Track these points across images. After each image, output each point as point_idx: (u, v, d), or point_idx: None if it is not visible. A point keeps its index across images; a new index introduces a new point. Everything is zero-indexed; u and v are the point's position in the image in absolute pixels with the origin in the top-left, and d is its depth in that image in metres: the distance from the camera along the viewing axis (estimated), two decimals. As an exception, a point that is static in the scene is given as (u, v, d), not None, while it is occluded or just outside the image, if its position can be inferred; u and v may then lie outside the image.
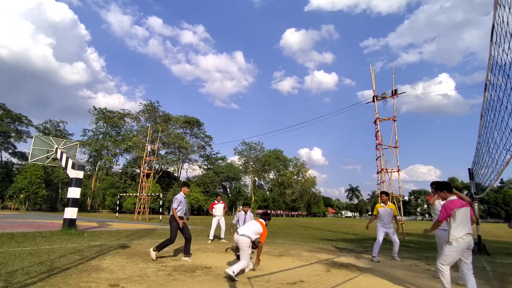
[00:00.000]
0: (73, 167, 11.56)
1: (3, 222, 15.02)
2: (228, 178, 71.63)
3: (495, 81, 4.16)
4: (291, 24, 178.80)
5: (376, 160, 16.47)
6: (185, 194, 6.59)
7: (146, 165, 30.78)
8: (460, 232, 3.91)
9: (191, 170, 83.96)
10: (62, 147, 14.25)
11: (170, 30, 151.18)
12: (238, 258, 6.11)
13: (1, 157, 53.55)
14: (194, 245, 8.68)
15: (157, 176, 54.30)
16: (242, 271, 4.94)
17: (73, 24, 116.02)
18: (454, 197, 4.12)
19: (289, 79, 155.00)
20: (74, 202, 11.34)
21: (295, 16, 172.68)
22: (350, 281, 4.83)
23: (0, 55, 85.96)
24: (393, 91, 16.46)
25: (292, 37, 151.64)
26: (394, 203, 15.94)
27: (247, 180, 79.67)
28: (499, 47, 3.56)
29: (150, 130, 35.99)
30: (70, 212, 11.13)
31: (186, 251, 6.41)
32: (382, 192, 7.96)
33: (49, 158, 14.12)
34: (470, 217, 4.03)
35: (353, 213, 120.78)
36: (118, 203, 36.98)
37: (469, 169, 10.09)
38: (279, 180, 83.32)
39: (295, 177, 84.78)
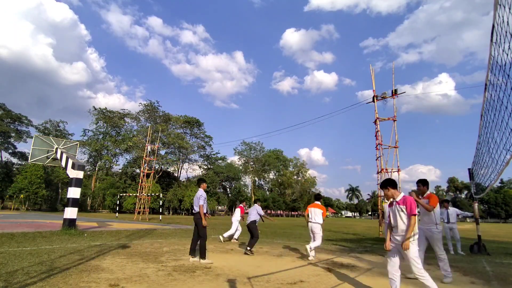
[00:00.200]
0: (73, 167, 11.56)
1: (3, 222, 15.02)
2: (228, 178, 71.67)
3: (495, 81, 4.16)
4: (291, 24, 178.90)
5: (376, 160, 16.46)
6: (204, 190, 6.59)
7: (146, 165, 30.79)
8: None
9: (191, 170, 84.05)
10: (62, 147, 14.25)
11: (170, 30, 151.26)
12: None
13: (1, 157, 53.60)
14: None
15: (157, 176, 54.31)
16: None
17: (73, 24, 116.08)
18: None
19: (289, 79, 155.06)
20: (74, 202, 11.34)
21: (295, 16, 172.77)
22: (350, 281, 4.83)
23: (0, 55, 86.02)
24: (393, 91, 16.45)
25: (292, 37, 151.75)
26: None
27: (247, 180, 79.74)
28: (499, 47, 3.56)
29: (150, 130, 35.99)
30: (70, 212, 11.13)
31: (202, 254, 6.23)
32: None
33: (49, 158, 14.12)
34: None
35: (353, 213, 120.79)
36: (118, 203, 36.98)
37: (469, 169, 10.09)
38: (279, 180, 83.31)
39: (295, 177, 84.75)
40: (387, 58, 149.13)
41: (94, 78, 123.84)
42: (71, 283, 3.98)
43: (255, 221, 8.20)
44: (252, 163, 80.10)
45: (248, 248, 7.52)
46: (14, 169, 54.42)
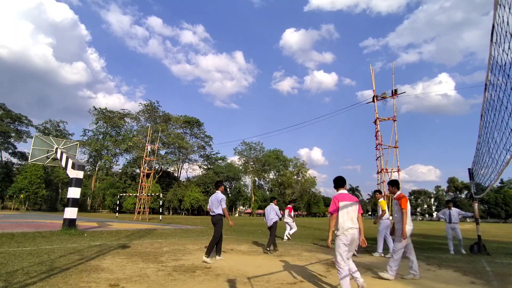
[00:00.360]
0: (73, 167, 11.56)
1: (3, 222, 15.01)
2: (228, 178, 71.64)
3: (495, 81, 4.16)
4: (290, 24, 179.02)
5: (376, 160, 16.47)
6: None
7: (146, 165, 30.79)
8: (346, 225, 3.98)
9: (191, 170, 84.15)
10: (62, 147, 14.25)
11: (170, 30, 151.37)
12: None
13: (1, 157, 53.63)
14: (194, 245, 8.69)
15: (157, 176, 54.33)
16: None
17: (74, 24, 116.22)
18: (344, 191, 4.25)
19: (289, 79, 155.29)
20: (74, 202, 11.34)
21: (294, 16, 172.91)
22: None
23: (0, 55, 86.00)
24: (393, 91, 16.47)
25: (292, 37, 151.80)
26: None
27: (247, 180, 79.77)
28: (499, 47, 3.56)
29: (150, 130, 35.99)
30: (70, 212, 11.12)
31: (219, 251, 6.47)
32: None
33: (49, 158, 14.12)
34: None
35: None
36: (118, 203, 36.97)
37: (469, 169, 10.08)
38: (279, 180, 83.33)
39: (295, 177, 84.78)
40: (387, 58, 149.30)
41: (94, 78, 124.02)
42: (71, 283, 3.98)
43: (276, 221, 8.60)
44: (252, 163, 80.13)
45: (268, 248, 7.92)
46: (14, 169, 54.46)
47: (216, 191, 6.63)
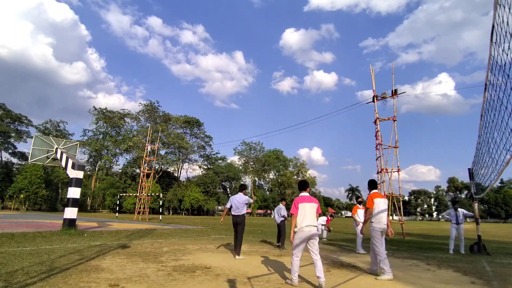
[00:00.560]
0: (73, 167, 11.56)
1: (3, 222, 15.02)
2: (228, 178, 71.65)
3: (495, 81, 4.16)
4: (290, 24, 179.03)
5: (376, 160, 16.46)
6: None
7: (146, 165, 30.78)
8: (303, 223, 4.50)
9: (191, 170, 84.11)
10: (62, 147, 14.25)
11: (169, 30, 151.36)
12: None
13: (1, 157, 53.61)
14: (194, 245, 8.69)
15: (157, 176, 54.33)
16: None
17: (74, 24, 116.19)
18: (305, 193, 4.75)
19: (289, 79, 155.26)
20: (74, 202, 11.34)
21: (294, 16, 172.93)
22: (350, 281, 4.84)
23: (0, 55, 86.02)
24: (393, 91, 16.45)
25: (292, 37, 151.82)
26: (393, 203, 15.93)
27: (247, 180, 79.72)
28: (499, 47, 3.56)
29: (150, 130, 35.98)
30: (70, 212, 11.13)
31: (238, 250, 6.84)
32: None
33: (49, 158, 14.12)
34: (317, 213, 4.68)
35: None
36: (118, 203, 36.98)
37: (469, 169, 10.08)
38: (279, 180, 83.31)
39: (295, 177, 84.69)
40: (387, 58, 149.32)
41: (94, 78, 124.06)
42: (71, 283, 3.98)
43: (283, 220, 9.30)
44: (252, 163, 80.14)
45: (278, 244, 8.89)
46: (14, 169, 54.45)
47: (240, 193, 7.19)
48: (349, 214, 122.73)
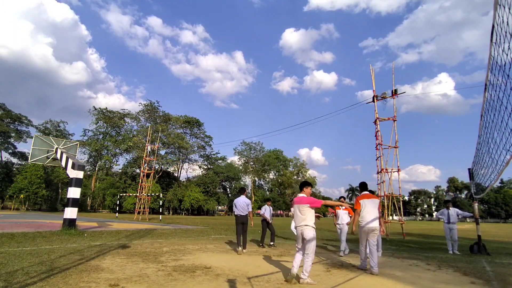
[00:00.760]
0: (73, 167, 11.56)
1: (3, 222, 15.02)
2: (228, 178, 71.62)
3: (495, 81, 4.16)
4: (290, 24, 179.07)
5: (376, 160, 16.46)
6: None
7: (146, 165, 30.79)
8: (294, 224, 5.11)
9: (191, 170, 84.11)
10: (62, 147, 14.26)
11: (169, 30, 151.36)
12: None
13: (1, 157, 53.60)
14: (194, 245, 8.69)
15: (157, 176, 54.32)
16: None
17: (74, 25, 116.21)
18: (301, 194, 5.06)
19: (289, 79, 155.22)
20: (74, 202, 11.34)
21: (294, 16, 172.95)
22: (350, 281, 4.84)
23: (0, 55, 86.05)
24: (393, 91, 16.45)
25: (292, 37, 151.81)
26: (394, 203, 15.93)
27: (247, 180, 79.67)
28: (499, 47, 3.55)
29: (150, 130, 35.99)
30: (70, 212, 11.13)
31: (245, 245, 7.73)
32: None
33: (49, 158, 14.12)
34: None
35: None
36: (118, 203, 36.98)
37: (469, 169, 10.08)
38: (279, 180, 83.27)
39: (295, 177, 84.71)
40: (386, 58, 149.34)
41: (94, 78, 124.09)
42: (71, 283, 3.98)
43: (263, 220, 9.61)
44: (252, 163, 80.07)
45: (271, 244, 9.12)
46: (14, 169, 54.42)
47: (242, 195, 7.94)
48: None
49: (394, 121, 16.28)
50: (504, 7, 3.11)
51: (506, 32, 3.17)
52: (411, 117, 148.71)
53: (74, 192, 11.33)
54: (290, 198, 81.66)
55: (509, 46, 3.11)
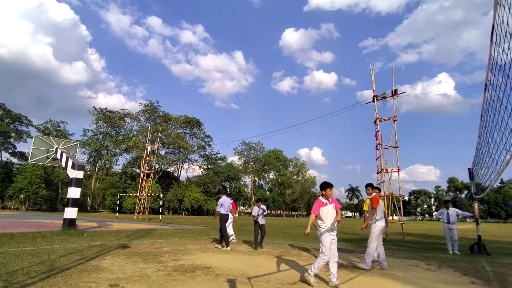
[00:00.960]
0: (73, 167, 11.56)
1: (3, 222, 15.02)
2: (228, 178, 71.55)
3: (495, 81, 4.16)
4: (290, 24, 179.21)
5: (376, 160, 16.46)
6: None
7: (146, 165, 30.78)
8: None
9: (191, 170, 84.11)
10: (62, 147, 14.25)
11: (169, 30, 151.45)
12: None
13: (1, 157, 53.60)
14: (194, 245, 8.69)
15: (157, 176, 54.27)
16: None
17: (75, 25, 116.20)
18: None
19: (289, 79, 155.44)
20: (74, 202, 11.34)
21: (294, 16, 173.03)
22: (350, 281, 4.83)
23: (0, 55, 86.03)
24: (393, 91, 16.45)
25: (292, 37, 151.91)
26: (394, 203, 15.93)
27: (247, 180, 79.65)
28: (499, 47, 3.55)
29: (150, 130, 35.96)
30: (70, 212, 11.12)
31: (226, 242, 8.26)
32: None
33: (49, 158, 14.12)
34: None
35: (353, 213, 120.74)
36: (118, 203, 36.96)
37: (469, 169, 10.08)
38: (279, 180, 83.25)
39: (295, 177, 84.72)
40: (386, 58, 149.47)
41: (94, 78, 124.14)
42: (71, 283, 3.98)
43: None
44: (252, 163, 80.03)
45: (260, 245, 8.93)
46: (14, 169, 54.42)
47: (225, 196, 8.75)
48: (349, 214, 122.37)
49: (394, 121, 16.27)
50: (504, 7, 3.11)
51: (506, 32, 3.17)
52: (411, 117, 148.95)
53: (74, 192, 11.33)
54: (290, 198, 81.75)
55: (509, 46, 3.11)
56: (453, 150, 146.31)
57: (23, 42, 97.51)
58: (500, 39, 3.45)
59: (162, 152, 61.04)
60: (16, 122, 52.71)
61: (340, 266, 6.19)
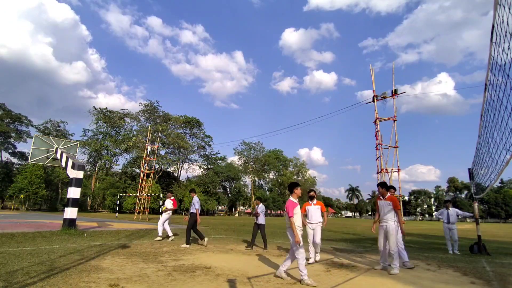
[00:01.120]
0: (73, 167, 11.56)
1: (3, 222, 15.01)
2: (228, 178, 71.58)
3: (495, 81, 4.16)
4: (290, 24, 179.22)
5: (376, 160, 16.48)
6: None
7: (146, 165, 30.78)
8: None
9: (191, 170, 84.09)
10: (62, 147, 14.25)
11: (169, 30, 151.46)
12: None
13: (1, 157, 53.59)
14: (194, 246, 8.69)
15: (157, 176, 54.25)
16: None
17: (75, 25, 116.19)
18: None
19: (289, 79, 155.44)
20: (74, 202, 11.34)
21: (294, 15, 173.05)
22: (350, 281, 4.83)
23: (0, 55, 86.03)
24: (393, 91, 16.47)
25: (292, 37, 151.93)
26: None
27: (247, 180, 79.65)
28: (499, 47, 3.55)
29: (150, 130, 35.96)
30: (70, 212, 11.12)
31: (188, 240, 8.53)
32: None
33: (49, 158, 14.11)
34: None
35: (353, 213, 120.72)
36: (118, 203, 36.96)
37: (469, 169, 10.08)
38: (279, 180, 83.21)
39: (295, 177, 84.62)
40: (386, 58, 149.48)
41: (94, 78, 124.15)
42: (71, 283, 3.98)
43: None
44: (252, 163, 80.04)
45: (252, 245, 8.71)
46: (14, 169, 54.40)
47: (195, 195, 9.49)
48: (349, 214, 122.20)
49: (394, 121, 16.28)
50: (504, 7, 3.11)
51: (506, 32, 3.17)
52: (411, 117, 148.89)
53: (74, 192, 11.33)
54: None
55: (509, 46, 3.11)
56: (453, 150, 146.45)
57: (23, 42, 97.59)
58: (500, 39, 3.45)
59: (162, 152, 61.05)
60: (16, 122, 52.70)
61: (340, 266, 6.19)
